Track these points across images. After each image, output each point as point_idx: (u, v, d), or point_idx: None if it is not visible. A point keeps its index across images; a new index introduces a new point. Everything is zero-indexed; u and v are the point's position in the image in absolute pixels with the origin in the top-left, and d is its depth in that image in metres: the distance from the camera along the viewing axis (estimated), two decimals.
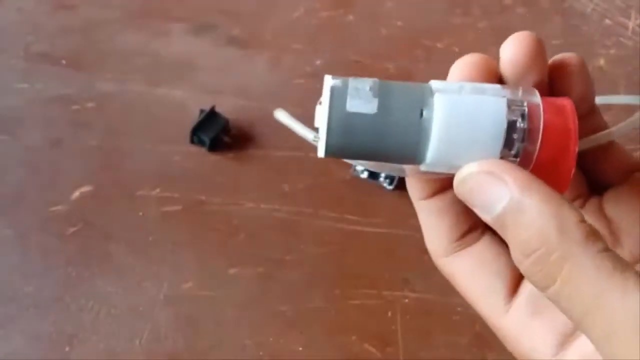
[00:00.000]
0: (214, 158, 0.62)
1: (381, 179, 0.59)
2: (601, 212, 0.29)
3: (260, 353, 0.51)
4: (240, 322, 0.52)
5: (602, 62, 0.71)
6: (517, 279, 0.28)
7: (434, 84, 0.25)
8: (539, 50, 0.26)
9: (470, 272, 0.29)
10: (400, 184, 0.59)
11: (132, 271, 0.55)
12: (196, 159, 0.62)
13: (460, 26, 0.75)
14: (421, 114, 0.24)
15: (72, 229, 0.57)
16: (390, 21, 0.75)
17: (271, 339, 0.52)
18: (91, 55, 0.70)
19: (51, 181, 0.60)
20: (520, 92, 0.25)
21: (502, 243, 0.29)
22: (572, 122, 0.25)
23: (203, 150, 0.62)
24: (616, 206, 0.29)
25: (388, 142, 0.25)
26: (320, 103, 0.25)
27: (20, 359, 0.50)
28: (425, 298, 0.54)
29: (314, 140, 0.26)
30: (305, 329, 0.52)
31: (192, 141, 0.62)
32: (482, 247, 0.29)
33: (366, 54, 0.71)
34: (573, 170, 0.25)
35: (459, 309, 0.53)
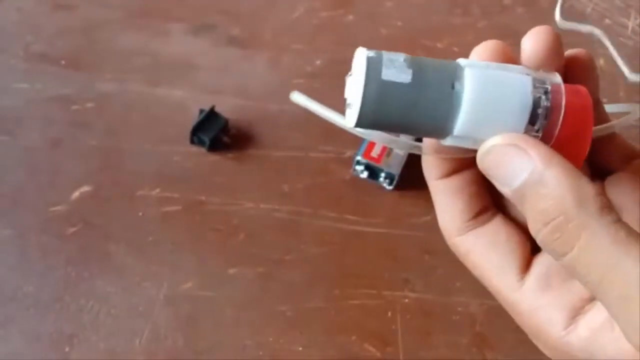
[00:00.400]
0: (214, 158, 0.62)
1: (381, 179, 0.59)
2: None
3: (260, 353, 0.51)
4: (240, 322, 0.52)
5: (602, 62, 0.71)
6: (528, 257, 0.30)
7: (462, 61, 0.26)
8: (558, 44, 0.28)
9: (484, 250, 0.30)
10: (399, 184, 0.59)
11: (131, 271, 0.55)
12: (196, 159, 0.62)
13: (460, 26, 0.75)
14: (452, 87, 0.25)
15: (72, 229, 0.57)
16: (390, 21, 0.75)
17: (271, 339, 0.52)
18: (91, 55, 0.70)
19: (51, 181, 0.60)
20: (541, 72, 0.27)
21: (514, 224, 0.30)
22: (589, 104, 0.27)
23: (203, 151, 0.62)
24: (618, 190, 0.30)
25: (420, 112, 0.25)
26: (349, 75, 0.26)
27: (20, 359, 0.50)
28: (425, 298, 0.54)
29: (349, 107, 0.26)
30: (305, 329, 0.52)
31: (191, 141, 0.62)
32: (495, 227, 0.30)
33: None
34: (588, 149, 0.27)
35: (459, 308, 0.53)
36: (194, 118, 0.62)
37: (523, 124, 0.26)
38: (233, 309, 0.53)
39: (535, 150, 0.25)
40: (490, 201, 0.30)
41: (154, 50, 0.71)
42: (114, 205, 0.58)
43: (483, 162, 0.26)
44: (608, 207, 0.24)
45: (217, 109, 0.63)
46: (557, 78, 0.27)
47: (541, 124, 0.26)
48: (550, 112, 0.26)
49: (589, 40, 0.73)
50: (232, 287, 0.54)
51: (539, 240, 0.25)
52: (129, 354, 0.50)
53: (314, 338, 0.52)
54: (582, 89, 0.27)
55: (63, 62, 0.69)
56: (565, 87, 0.26)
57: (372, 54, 0.25)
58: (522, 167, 0.25)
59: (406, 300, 0.54)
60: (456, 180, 0.30)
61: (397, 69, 0.25)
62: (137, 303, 0.53)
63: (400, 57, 0.25)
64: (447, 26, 0.75)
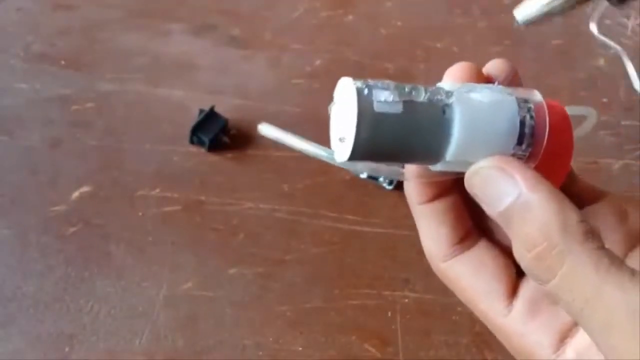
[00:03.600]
0: (214, 158, 0.62)
1: (381, 179, 0.59)
2: None
3: (260, 353, 0.51)
4: (240, 322, 0.52)
5: (602, 62, 0.71)
6: (515, 281, 0.29)
7: (446, 85, 0.26)
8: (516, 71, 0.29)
9: (471, 275, 0.30)
10: (399, 184, 0.59)
11: (131, 271, 0.55)
12: (196, 159, 0.62)
13: (460, 26, 0.75)
14: (443, 112, 0.25)
15: (72, 229, 0.57)
16: (390, 21, 0.75)
17: (271, 339, 0.52)
18: (91, 55, 0.70)
19: (51, 181, 0.60)
20: (521, 90, 0.27)
21: (498, 247, 0.30)
22: (568, 119, 0.27)
23: (202, 151, 0.62)
24: (592, 220, 0.30)
25: (412, 142, 0.25)
26: (332, 105, 0.26)
27: (20, 359, 0.50)
28: (425, 298, 0.54)
29: (341, 140, 0.25)
30: (305, 329, 0.52)
31: (191, 141, 0.62)
32: (480, 251, 0.30)
33: (366, 54, 0.71)
34: (571, 161, 0.27)
35: (459, 309, 0.53)
36: (194, 118, 0.62)
37: (512, 145, 0.26)
38: (233, 309, 0.53)
39: (521, 173, 0.25)
40: (473, 225, 0.30)
41: (154, 50, 0.71)
42: (114, 205, 0.58)
43: (470, 184, 0.26)
44: (592, 234, 0.24)
45: (217, 109, 0.63)
46: (538, 96, 0.27)
47: (528, 142, 0.26)
48: (536, 130, 0.26)
49: (588, 40, 0.73)
50: (232, 287, 0.54)
51: (523, 266, 0.25)
52: (129, 354, 0.50)
53: (314, 338, 0.52)
54: (557, 104, 0.27)
55: (63, 62, 0.69)
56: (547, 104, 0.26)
57: (359, 84, 0.24)
58: (508, 190, 0.25)
59: (406, 300, 0.54)
60: (440, 205, 0.29)
61: (387, 100, 0.24)
62: (137, 303, 0.53)
63: (388, 86, 0.25)
64: (447, 26, 0.75)
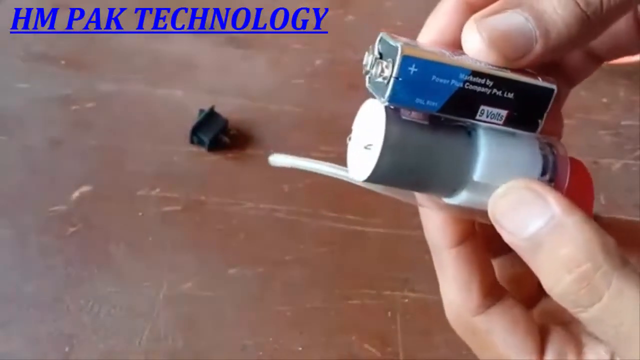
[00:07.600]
0: (214, 158, 0.62)
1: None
2: None
3: (260, 353, 0.51)
4: (240, 322, 0.52)
5: None
6: (542, 336, 0.28)
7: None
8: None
9: (505, 330, 0.28)
10: None
11: (132, 271, 0.55)
12: (196, 159, 0.62)
13: None
14: (469, 134, 0.25)
15: (72, 229, 0.57)
16: (390, 21, 0.75)
17: (271, 339, 0.52)
18: (91, 55, 0.70)
19: (51, 181, 0.60)
20: (546, 136, 0.26)
21: (522, 300, 0.29)
22: (585, 167, 0.27)
23: (202, 150, 0.62)
24: None
25: (439, 156, 0.24)
26: (349, 139, 0.26)
27: (20, 359, 0.50)
28: (425, 298, 0.54)
29: (367, 147, 0.25)
30: (305, 329, 0.52)
31: (191, 141, 0.62)
32: (510, 304, 0.28)
33: None
34: (593, 202, 0.27)
35: None
36: (194, 118, 0.62)
37: (536, 173, 0.25)
38: (233, 309, 0.53)
39: (554, 197, 0.23)
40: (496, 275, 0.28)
41: (154, 50, 0.71)
42: (114, 205, 0.58)
43: (496, 207, 0.24)
44: (626, 258, 0.23)
45: (217, 109, 0.63)
46: (562, 146, 0.26)
47: (551, 174, 0.25)
48: (557, 164, 0.25)
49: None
50: (232, 287, 0.54)
51: (558, 292, 0.23)
52: (129, 354, 0.50)
53: (314, 338, 0.52)
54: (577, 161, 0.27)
55: (63, 62, 0.69)
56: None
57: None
58: (539, 213, 0.23)
59: (406, 300, 0.54)
60: (468, 249, 0.27)
61: (413, 115, 0.24)
62: (137, 303, 0.53)
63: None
64: None
